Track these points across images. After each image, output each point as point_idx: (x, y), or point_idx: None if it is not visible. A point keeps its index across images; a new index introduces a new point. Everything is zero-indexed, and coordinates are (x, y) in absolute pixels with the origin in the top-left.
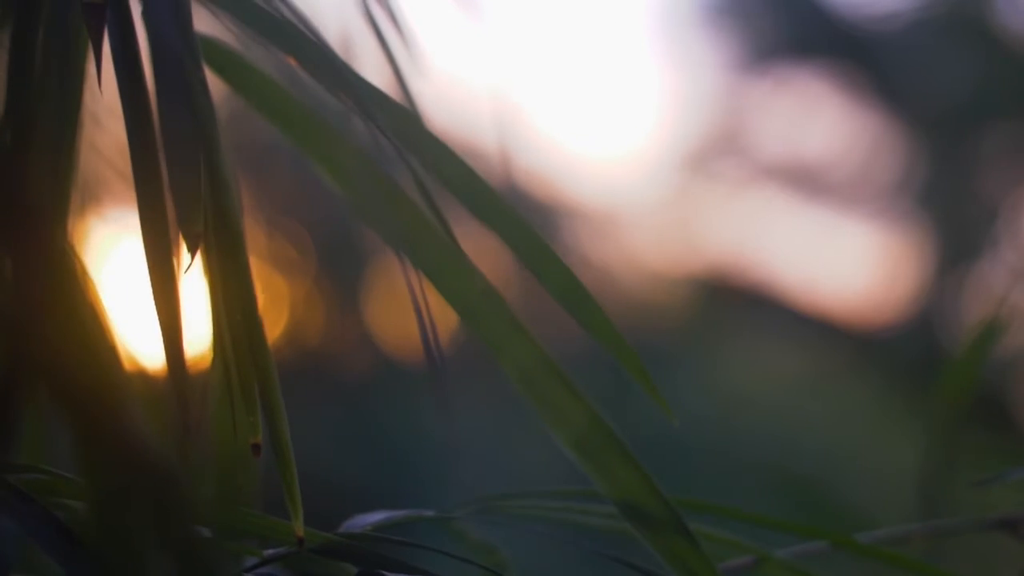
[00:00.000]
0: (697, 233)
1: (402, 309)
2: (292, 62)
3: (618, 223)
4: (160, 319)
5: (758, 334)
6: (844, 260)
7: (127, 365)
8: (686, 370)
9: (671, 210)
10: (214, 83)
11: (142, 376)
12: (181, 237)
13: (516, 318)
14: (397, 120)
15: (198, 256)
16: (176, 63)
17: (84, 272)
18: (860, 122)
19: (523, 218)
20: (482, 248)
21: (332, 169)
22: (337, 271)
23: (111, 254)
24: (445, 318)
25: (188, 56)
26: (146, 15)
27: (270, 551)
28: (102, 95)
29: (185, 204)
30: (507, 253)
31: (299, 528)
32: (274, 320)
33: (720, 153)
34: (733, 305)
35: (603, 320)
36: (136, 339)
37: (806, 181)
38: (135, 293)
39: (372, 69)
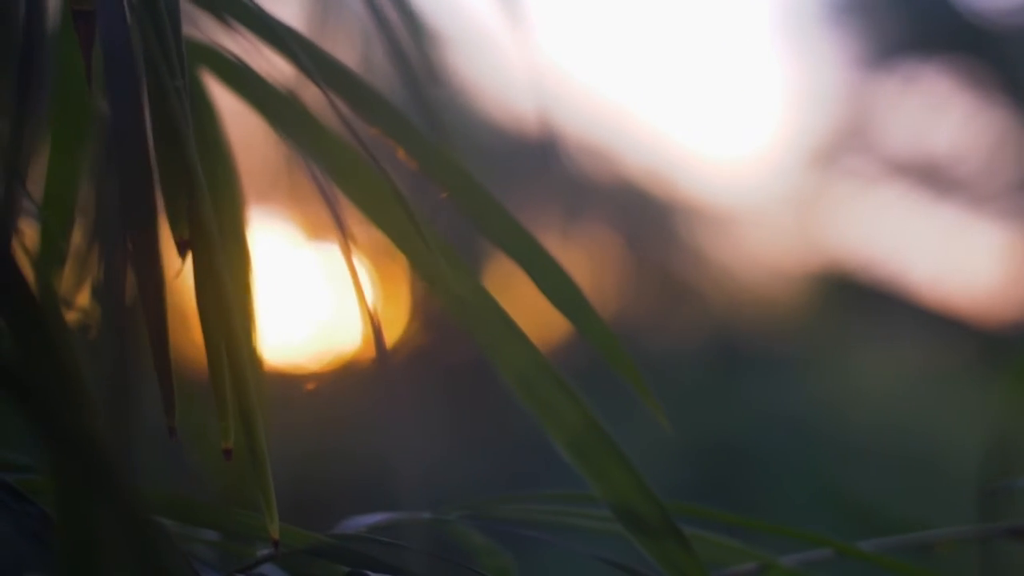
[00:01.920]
0: (821, 231)
1: (520, 310)
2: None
3: (741, 222)
4: (147, 323)
5: (883, 331)
6: (970, 256)
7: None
8: (810, 367)
9: (795, 208)
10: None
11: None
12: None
13: (511, 320)
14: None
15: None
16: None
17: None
18: (986, 118)
19: (517, 220)
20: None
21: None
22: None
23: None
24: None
25: (163, 63)
26: (99, 23)
27: (264, 551)
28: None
29: (172, 210)
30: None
31: (274, 531)
32: (393, 318)
33: (845, 150)
34: (858, 303)
35: (598, 324)
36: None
37: (932, 178)
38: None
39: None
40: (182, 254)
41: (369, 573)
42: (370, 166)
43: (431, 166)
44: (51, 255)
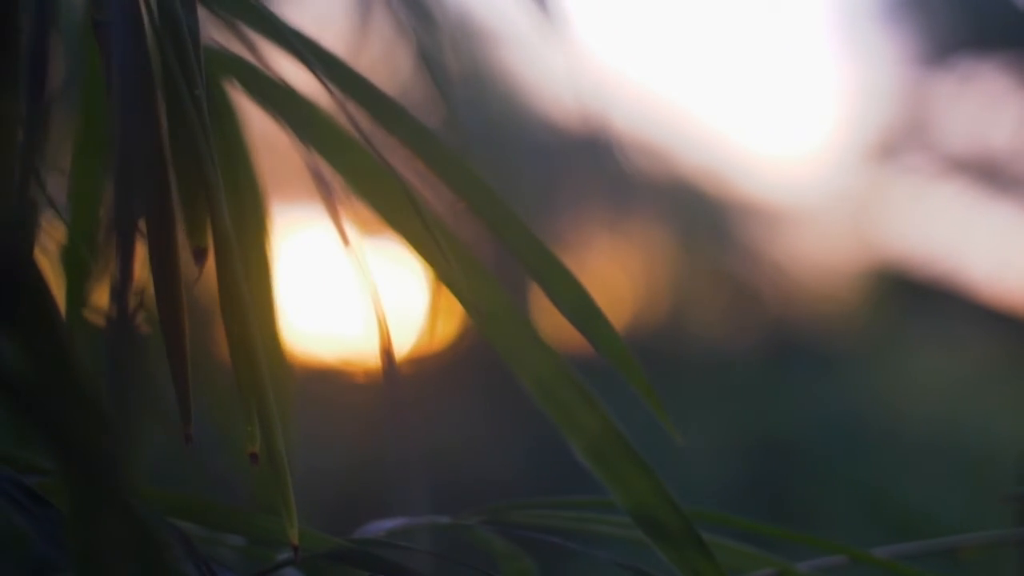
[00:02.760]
0: (877, 228)
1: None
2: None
3: (796, 219)
4: (165, 330)
5: (939, 329)
6: None
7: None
8: (865, 365)
9: (851, 206)
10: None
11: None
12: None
13: (532, 325)
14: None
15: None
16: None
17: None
18: None
19: (531, 229)
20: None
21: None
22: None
23: (288, 244)
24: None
25: (181, 72)
26: (113, 32)
27: (283, 556)
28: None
29: (191, 219)
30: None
31: (293, 536)
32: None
33: (902, 148)
34: (913, 300)
35: (610, 333)
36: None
37: (988, 174)
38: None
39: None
40: (198, 263)
41: None
42: (388, 172)
43: (447, 173)
44: (75, 263)
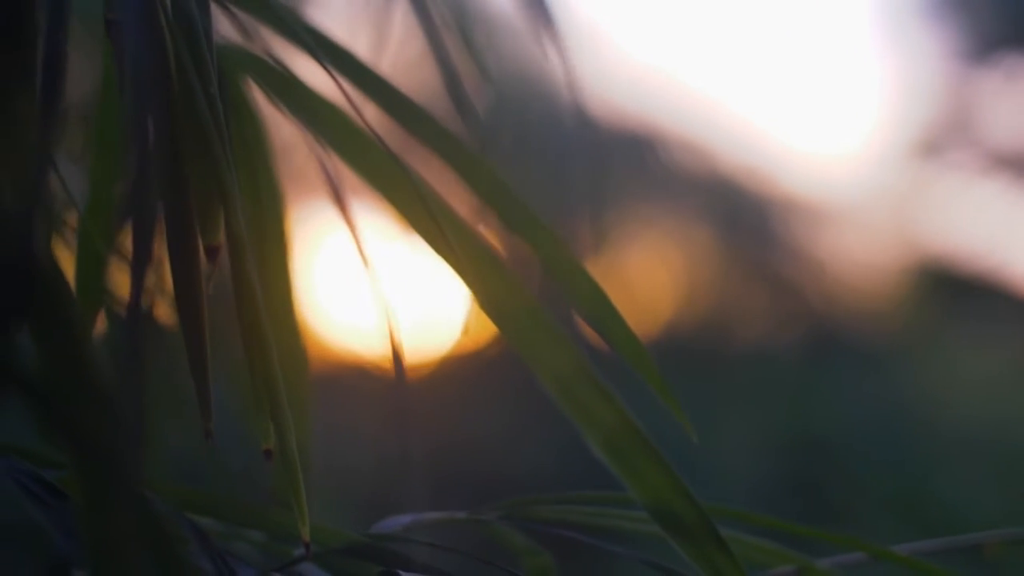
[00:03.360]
0: (921, 225)
1: (618, 305)
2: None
3: (839, 216)
4: (183, 326)
5: (983, 326)
6: None
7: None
8: (908, 362)
9: (895, 202)
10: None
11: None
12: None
13: (550, 320)
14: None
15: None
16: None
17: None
18: None
19: (549, 226)
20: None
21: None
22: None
23: (321, 244)
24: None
25: (194, 70)
26: (124, 30)
27: (299, 551)
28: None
29: (205, 216)
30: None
31: (305, 532)
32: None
33: (945, 144)
34: (957, 297)
35: (623, 328)
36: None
37: None
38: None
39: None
40: (210, 260)
41: (401, 572)
42: (400, 167)
43: (460, 169)
44: (92, 258)
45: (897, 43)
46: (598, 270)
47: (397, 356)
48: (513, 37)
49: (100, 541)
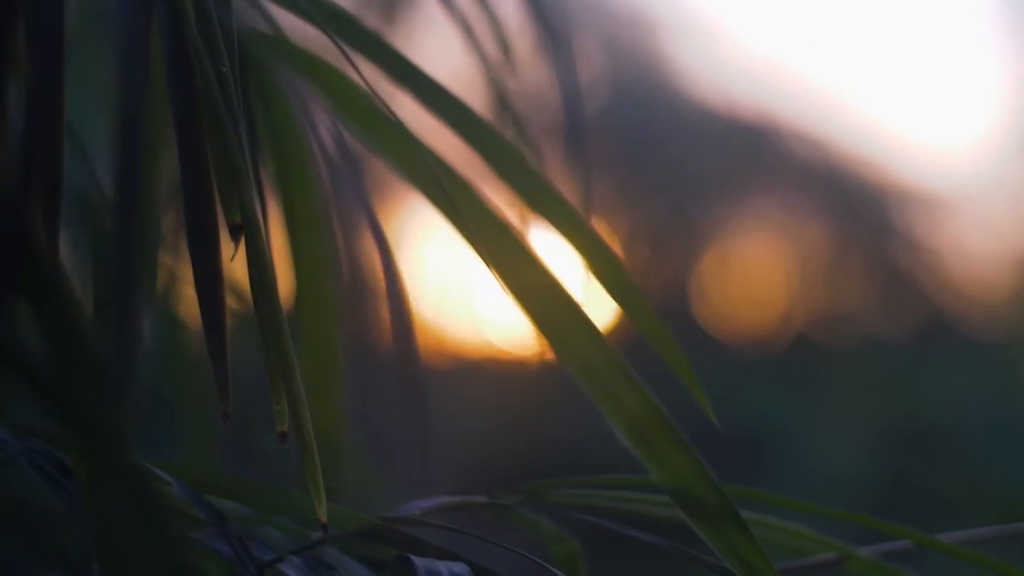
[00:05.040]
0: None
1: (733, 296)
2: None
3: (956, 208)
4: (202, 308)
5: None
6: None
7: None
8: None
9: (1012, 194)
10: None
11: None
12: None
13: (577, 306)
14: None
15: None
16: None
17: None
18: None
19: (576, 211)
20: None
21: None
22: (669, 255)
23: (429, 239)
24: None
25: (206, 50)
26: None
27: (318, 535)
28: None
29: (225, 196)
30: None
31: (322, 515)
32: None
33: None
34: None
35: (645, 308)
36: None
37: None
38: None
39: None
40: (234, 239)
41: (412, 557)
42: (428, 154)
43: (487, 148)
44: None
45: (1017, 33)
46: (715, 261)
47: (407, 340)
48: (633, 33)
49: (96, 515)
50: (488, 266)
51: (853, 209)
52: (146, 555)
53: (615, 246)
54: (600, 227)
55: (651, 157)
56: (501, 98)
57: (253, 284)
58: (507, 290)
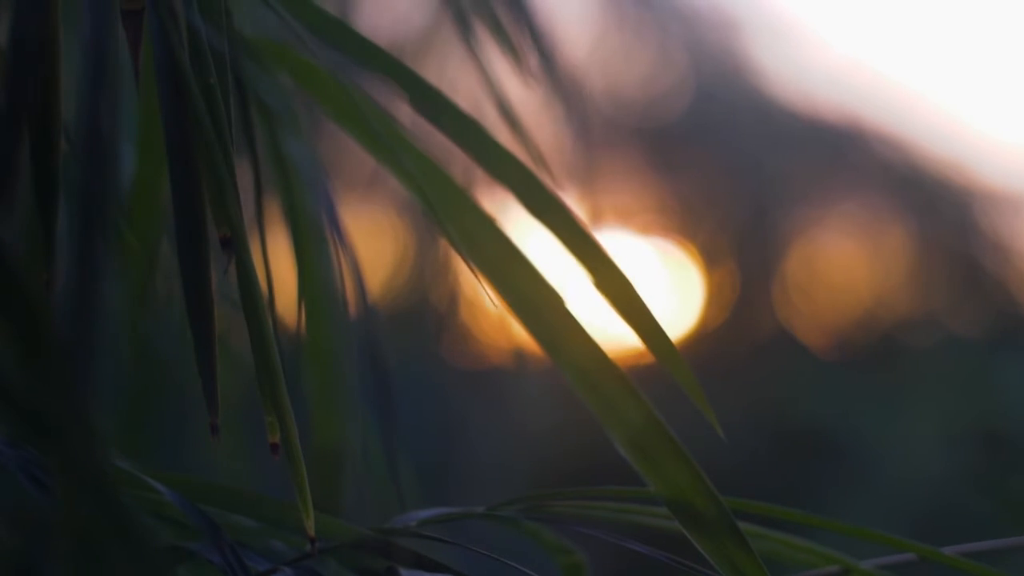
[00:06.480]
0: None
1: (817, 298)
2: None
3: None
4: (192, 321)
5: None
6: None
7: None
8: None
9: None
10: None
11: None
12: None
13: (574, 316)
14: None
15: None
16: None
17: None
18: None
19: (583, 225)
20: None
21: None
22: (752, 259)
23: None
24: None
25: (194, 61)
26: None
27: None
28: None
29: (217, 207)
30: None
31: (310, 527)
32: (685, 308)
33: None
34: None
35: (653, 324)
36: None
37: None
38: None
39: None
40: (224, 251)
41: (402, 570)
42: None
43: (485, 156)
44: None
45: None
46: (798, 263)
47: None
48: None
49: (68, 527)
50: (483, 276)
51: (935, 209)
52: (110, 561)
53: (698, 249)
54: (684, 229)
55: (735, 159)
56: (506, 108)
57: (241, 295)
58: (503, 301)
